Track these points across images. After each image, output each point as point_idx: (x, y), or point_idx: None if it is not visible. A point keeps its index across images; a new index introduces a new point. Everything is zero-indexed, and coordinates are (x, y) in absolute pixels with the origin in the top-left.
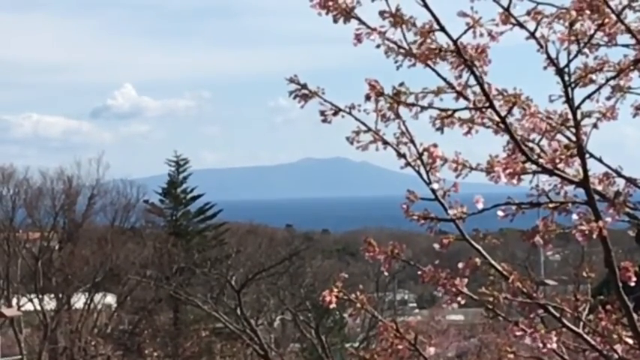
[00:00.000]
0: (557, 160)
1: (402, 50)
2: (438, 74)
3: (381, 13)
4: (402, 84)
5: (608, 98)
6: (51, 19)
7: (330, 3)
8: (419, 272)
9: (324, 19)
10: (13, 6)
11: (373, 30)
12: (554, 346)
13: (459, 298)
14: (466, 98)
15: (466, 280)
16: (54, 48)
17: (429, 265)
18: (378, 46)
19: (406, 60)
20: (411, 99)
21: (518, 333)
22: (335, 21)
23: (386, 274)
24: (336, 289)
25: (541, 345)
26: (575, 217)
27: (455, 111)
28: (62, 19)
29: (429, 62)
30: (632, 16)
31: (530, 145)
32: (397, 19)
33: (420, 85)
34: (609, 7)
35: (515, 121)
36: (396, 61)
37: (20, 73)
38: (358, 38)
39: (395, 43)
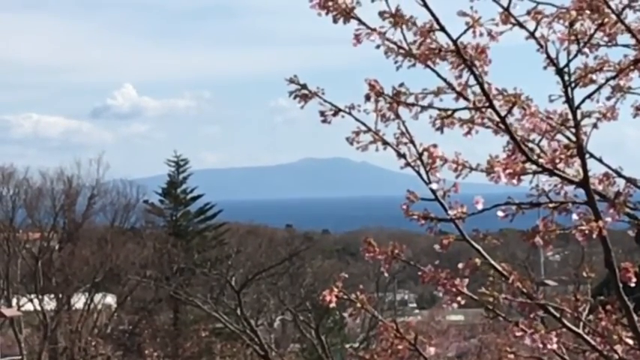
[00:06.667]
0: (557, 160)
1: (401, 51)
2: (438, 74)
3: (381, 14)
4: (401, 84)
5: (609, 98)
6: (51, 19)
7: (330, 3)
8: (419, 272)
9: (324, 20)
10: (12, 6)
11: (373, 30)
12: (555, 346)
13: (459, 299)
14: (466, 98)
15: (467, 280)
16: (54, 48)
17: (429, 266)
18: (377, 47)
19: (406, 60)
20: (410, 99)
21: (518, 333)
22: (335, 21)
23: (386, 274)
24: (336, 289)
25: (541, 345)
26: (575, 217)
27: (455, 111)
28: (62, 19)
29: (429, 62)
30: (632, 16)
31: (530, 145)
32: (397, 19)
33: (420, 85)
34: (609, 7)
35: (516, 122)
36: (395, 62)
37: (20, 73)
38: (358, 39)
39: (395, 43)
